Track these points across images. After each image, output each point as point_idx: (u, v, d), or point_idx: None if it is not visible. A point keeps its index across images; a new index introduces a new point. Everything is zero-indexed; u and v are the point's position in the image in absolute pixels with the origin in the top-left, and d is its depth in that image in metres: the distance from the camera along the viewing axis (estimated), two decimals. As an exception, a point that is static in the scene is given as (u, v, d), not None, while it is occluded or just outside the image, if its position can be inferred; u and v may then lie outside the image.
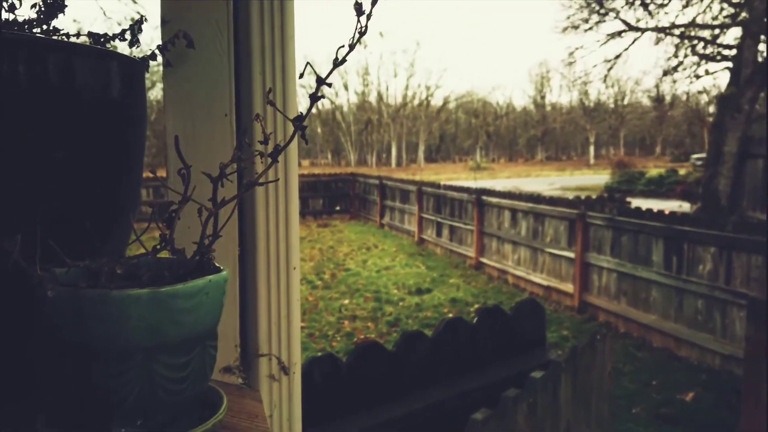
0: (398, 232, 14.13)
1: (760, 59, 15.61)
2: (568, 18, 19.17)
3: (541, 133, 61.90)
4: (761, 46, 15.79)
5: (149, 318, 0.49)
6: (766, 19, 15.34)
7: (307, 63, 0.59)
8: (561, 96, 64.00)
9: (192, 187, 0.55)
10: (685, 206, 17.76)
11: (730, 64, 17.00)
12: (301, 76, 0.68)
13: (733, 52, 16.97)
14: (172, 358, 0.51)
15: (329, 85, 0.55)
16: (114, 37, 0.77)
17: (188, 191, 0.55)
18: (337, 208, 17.60)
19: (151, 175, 0.67)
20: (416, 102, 57.27)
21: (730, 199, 15.44)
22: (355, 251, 11.79)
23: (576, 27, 19.12)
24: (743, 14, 16.58)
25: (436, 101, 59.52)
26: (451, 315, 6.62)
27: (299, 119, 0.56)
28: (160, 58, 0.81)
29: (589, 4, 18.63)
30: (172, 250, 0.56)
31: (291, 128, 0.61)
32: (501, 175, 41.05)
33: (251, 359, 0.92)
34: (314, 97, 0.55)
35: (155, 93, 21.46)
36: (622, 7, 18.37)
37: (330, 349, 6.12)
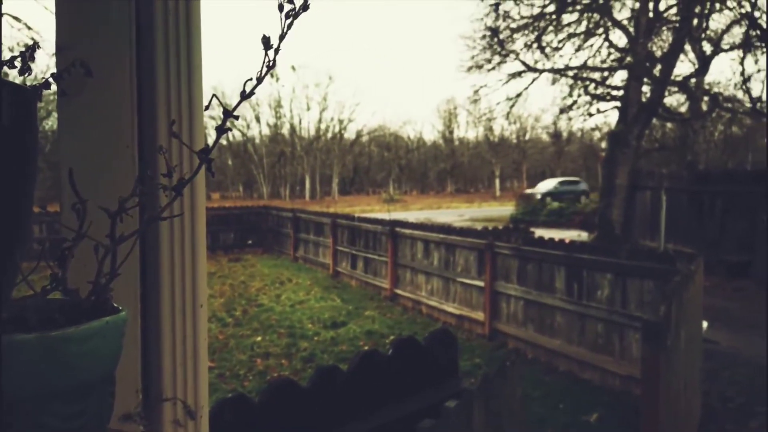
0: (313, 265, 13.98)
1: (644, 99, 17.12)
2: (473, 58, 20.19)
3: (450, 167, 64.08)
4: (644, 88, 17.34)
5: (38, 365, 0.45)
6: (648, 63, 16.91)
7: (213, 95, 0.58)
8: (468, 131, 66.78)
9: (88, 223, 0.52)
10: (583, 235, 18.90)
11: (618, 104, 18.52)
12: (207, 108, 0.66)
13: (621, 92, 18.51)
14: (64, 406, 0.47)
15: (236, 117, 0.55)
16: (3, 63, 0.72)
17: (84, 227, 0.52)
18: (249, 242, 17.19)
19: (39, 210, 0.63)
20: (330, 135, 57.63)
21: (623, 227, 16.64)
22: (268, 286, 11.52)
23: (480, 67, 20.15)
24: (628, 58, 18.20)
25: (350, 134, 60.22)
26: (366, 348, 6.59)
27: (205, 151, 0.54)
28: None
29: (491, 46, 19.73)
30: (64, 290, 0.53)
31: (198, 161, 0.59)
32: (413, 207, 41.90)
33: (154, 404, 0.87)
34: (221, 130, 0.54)
35: (51, 122, 20.22)
36: (522, 50, 19.63)
37: (242, 389, 5.88)
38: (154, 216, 0.54)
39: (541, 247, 7.16)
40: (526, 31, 19.25)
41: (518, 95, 20.93)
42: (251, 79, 0.54)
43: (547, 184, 35.19)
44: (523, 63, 19.81)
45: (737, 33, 17.83)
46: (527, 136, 63.40)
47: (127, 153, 0.84)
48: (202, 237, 0.91)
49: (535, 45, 19.29)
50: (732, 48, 18.13)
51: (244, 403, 3.08)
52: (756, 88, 18.50)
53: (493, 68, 20.06)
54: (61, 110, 0.82)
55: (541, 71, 19.83)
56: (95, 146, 0.83)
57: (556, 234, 14.92)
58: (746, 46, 17.30)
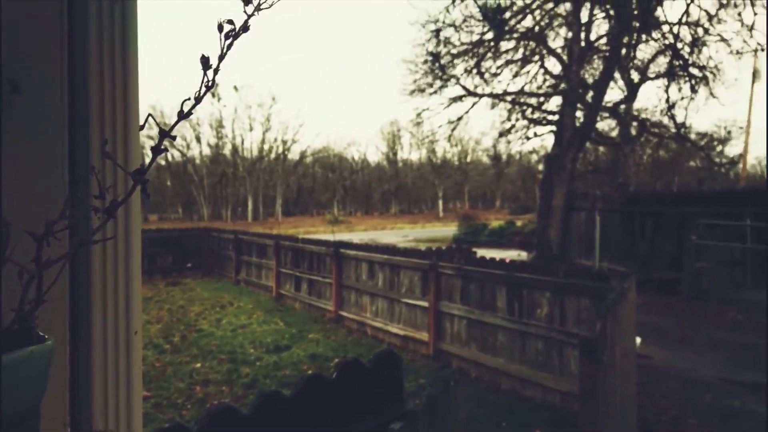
0: (255, 288, 13.70)
1: (577, 124, 17.88)
2: (415, 82, 20.61)
3: (394, 188, 64.67)
4: (578, 113, 18.12)
5: (-50, 400, 0.42)
6: (581, 90, 17.70)
7: (149, 114, 0.57)
8: (411, 153, 67.73)
9: (12, 247, 0.49)
10: (523, 255, 19.41)
11: (554, 128, 19.26)
12: (143, 127, 0.65)
13: (556, 117, 19.28)
14: (-20, 445, 0.44)
15: (174, 137, 0.53)
16: None
17: (6, 251, 0.49)
18: (189, 265, 16.68)
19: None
20: (273, 156, 57.11)
21: (561, 247, 17.19)
22: (209, 310, 11.20)
23: (422, 90, 20.58)
24: (562, 85, 19.01)
25: (294, 155, 59.90)
26: (310, 371, 6.48)
27: (139, 172, 0.53)
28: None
29: (432, 71, 20.20)
30: (-17, 318, 0.49)
31: (132, 182, 0.57)
32: (358, 228, 41.91)
33: (83, 438, 0.82)
34: (157, 150, 0.53)
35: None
36: (462, 75, 20.20)
37: (179, 419, 5.65)
38: (85, 239, 0.52)
39: (483, 266, 7.30)
40: (466, 57, 19.84)
41: (459, 118, 21.47)
42: (189, 99, 0.53)
43: None
44: (464, 87, 20.37)
45: (662, 62, 19.00)
46: (468, 159, 64.97)
47: (57, 173, 0.80)
48: (137, 260, 0.88)
49: (474, 70, 19.90)
50: (657, 76, 19.29)
51: (182, 433, 2.96)
52: (680, 115, 19.71)
53: (435, 92, 20.54)
54: (-15, 128, 0.78)
55: (481, 96, 20.44)
56: (22, 166, 0.79)
57: (497, 254, 15.25)
58: (670, 74, 18.43)
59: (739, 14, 16.70)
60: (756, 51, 17.49)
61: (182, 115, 0.53)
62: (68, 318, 0.82)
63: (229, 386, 6.75)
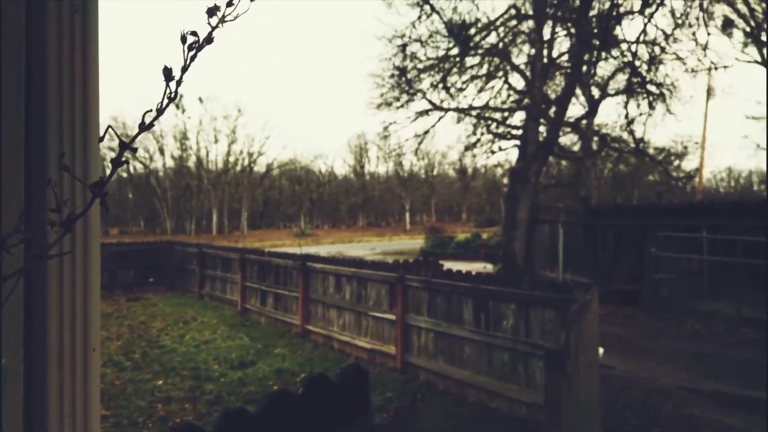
0: (220, 303, 13.47)
1: (541, 138, 18.24)
2: (382, 95, 20.75)
3: (361, 201, 64.70)
4: (541, 128, 18.50)
5: None
6: (543, 105, 18.08)
7: (109, 126, 0.56)
8: (379, 166, 68.04)
9: (-39, 262, 0.47)
10: (489, 267, 19.62)
11: (518, 142, 19.61)
12: (102, 139, 0.63)
13: (520, 132, 19.65)
14: None
15: (134, 150, 0.52)
16: None
17: (-44, 266, 0.47)
18: (151, 279, 16.30)
19: None
20: (239, 168, 56.55)
21: (525, 259, 17.43)
22: (171, 326, 10.95)
23: (389, 104, 20.72)
24: (526, 100, 19.40)
25: (260, 168, 59.44)
26: (276, 387, 6.39)
27: (98, 185, 0.52)
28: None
29: (399, 85, 20.38)
30: (-70, 337, 0.47)
31: (91, 195, 0.56)
32: (325, 241, 41.73)
33: (37, 460, 0.79)
34: (117, 163, 0.52)
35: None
36: (428, 89, 20.43)
37: (141, 438, 5.49)
38: (40, 254, 0.50)
39: (449, 279, 7.33)
40: (432, 72, 20.10)
41: (426, 132, 21.67)
42: (151, 110, 0.52)
43: None
44: (430, 102, 20.60)
45: (621, 79, 19.61)
46: (435, 172, 65.57)
47: (12, 186, 0.78)
48: (96, 275, 0.86)
49: (440, 85, 20.16)
50: (617, 93, 19.89)
51: (143, 453, 2.87)
52: (639, 130, 20.39)
53: (402, 106, 20.70)
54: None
55: (447, 110, 20.70)
56: (-26, 178, 0.76)
57: (463, 266, 15.33)
58: (629, 91, 19.01)
59: (694, 34, 17.42)
60: (710, 69, 18.24)
61: (143, 127, 0.52)
62: (23, 335, 0.79)
63: (192, 404, 6.60)
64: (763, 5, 17.57)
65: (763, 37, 18.42)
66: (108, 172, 0.64)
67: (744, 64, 19.25)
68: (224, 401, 6.64)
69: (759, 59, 18.87)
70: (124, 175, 50.54)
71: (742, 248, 11.96)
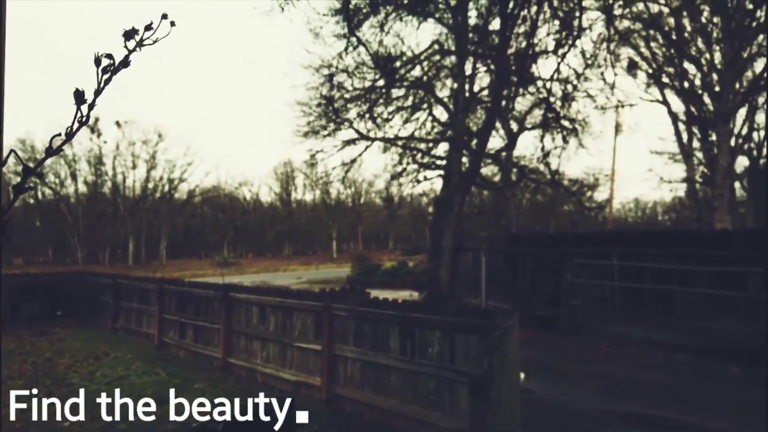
0: (135, 336, 12.77)
1: (463, 169, 18.82)
2: (309, 124, 20.78)
3: (288, 229, 63.84)
4: (464, 159, 19.11)
5: None
6: (466, 137, 18.71)
7: (11, 150, 0.52)
8: (305, 194, 67.54)
9: None
10: (415, 294, 19.81)
11: (442, 172, 20.14)
12: (3, 164, 0.59)
13: (444, 162, 20.20)
14: None
15: (40, 175, 0.49)
16: None
17: None
18: (59, 312, 15.24)
19: None
20: (158, 195, 54.44)
21: (450, 286, 17.75)
22: (81, 362, 10.24)
23: (316, 132, 20.78)
24: (449, 132, 20.02)
25: (181, 195, 57.46)
26: (194, 425, 6.08)
27: (-2, 213, 0.48)
28: None
29: (326, 114, 20.51)
30: None
31: (-11, 223, 0.52)
32: (249, 271, 40.74)
33: None
34: (19, 189, 0.48)
35: None
36: (355, 119, 20.69)
37: (42, 486, 5.04)
38: (-74, 287, 0.46)
39: (376, 307, 7.32)
40: (359, 102, 20.40)
41: (353, 161, 21.82)
42: (60, 134, 0.50)
43: None
44: (357, 131, 20.83)
45: (537, 114, 20.70)
46: (362, 200, 65.90)
47: None
48: (-6, 310, 0.79)
49: (367, 115, 20.47)
50: (534, 127, 20.95)
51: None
52: (554, 162, 21.57)
53: (329, 134, 20.81)
54: None
55: (374, 140, 20.99)
56: None
57: (390, 294, 15.41)
58: (545, 126, 20.07)
59: (602, 74, 18.70)
60: (617, 107, 19.60)
61: (51, 152, 0.50)
62: None
63: (102, 446, 6.16)
64: (663, 50, 19.19)
65: (664, 79, 20.04)
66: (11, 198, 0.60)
67: (648, 103, 20.81)
68: (138, 442, 6.24)
69: (660, 99, 20.48)
70: (32, 201, 47.45)
71: (650, 275, 12.73)
